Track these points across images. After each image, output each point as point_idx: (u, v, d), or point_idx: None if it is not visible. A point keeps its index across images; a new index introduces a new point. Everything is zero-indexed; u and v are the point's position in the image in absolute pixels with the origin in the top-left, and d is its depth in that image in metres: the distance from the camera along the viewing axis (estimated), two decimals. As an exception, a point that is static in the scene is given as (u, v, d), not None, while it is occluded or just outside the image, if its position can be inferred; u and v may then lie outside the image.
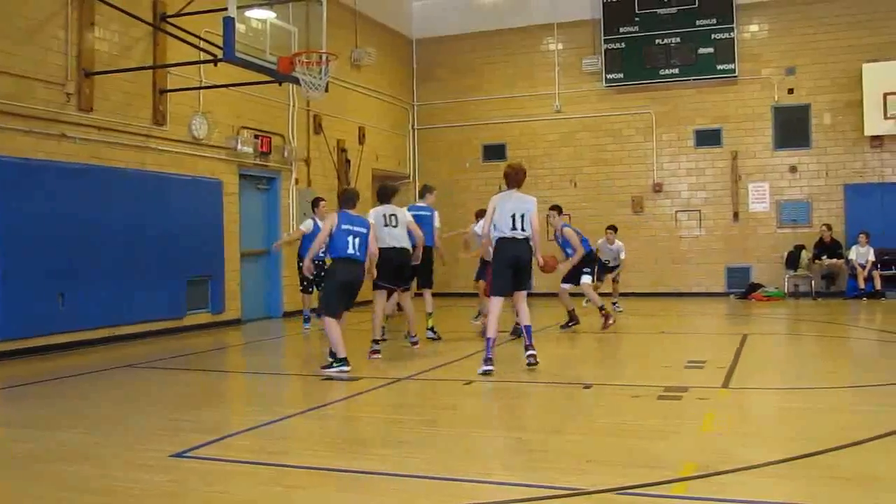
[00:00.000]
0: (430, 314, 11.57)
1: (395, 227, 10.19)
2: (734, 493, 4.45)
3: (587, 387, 7.86)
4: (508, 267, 8.74)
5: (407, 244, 10.30)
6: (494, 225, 8.82)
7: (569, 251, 12.17)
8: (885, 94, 17.15)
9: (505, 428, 6.47)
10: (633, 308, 15.39)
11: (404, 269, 10.40)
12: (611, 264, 15.71)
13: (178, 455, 5.41)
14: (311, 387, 8.42)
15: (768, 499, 4.38)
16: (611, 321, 12.07)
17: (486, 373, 8.38)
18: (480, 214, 11.60)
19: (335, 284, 9.01)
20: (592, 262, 12.56)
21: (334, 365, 8.75)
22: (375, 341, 9.96)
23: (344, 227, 8.90)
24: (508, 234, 8.72)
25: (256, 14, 11.90)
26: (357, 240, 8.92)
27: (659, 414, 6.61)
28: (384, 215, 10.18)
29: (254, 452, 5.60)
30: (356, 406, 7.30)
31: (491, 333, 8.62)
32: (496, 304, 8.80)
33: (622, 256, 15.87)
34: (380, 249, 9.77)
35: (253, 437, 6.08)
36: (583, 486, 4.57)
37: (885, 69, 17.32)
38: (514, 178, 9.01)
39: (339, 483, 4.83)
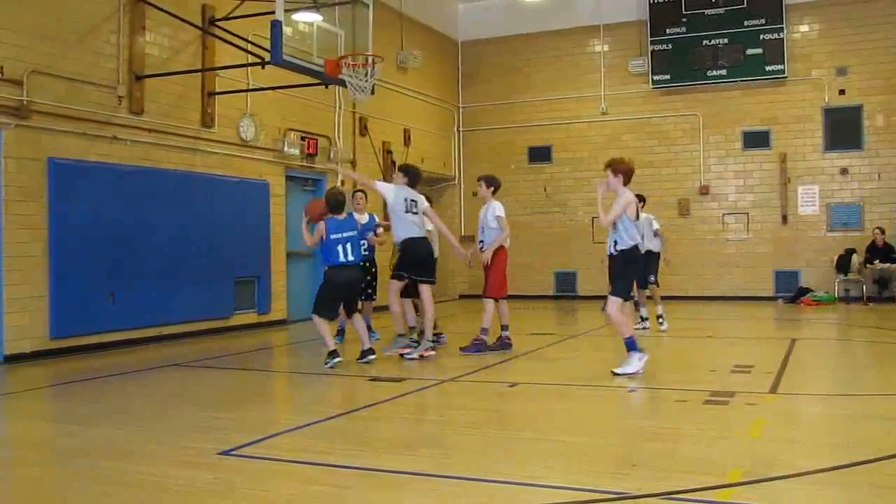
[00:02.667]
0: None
1: (415, 213, 9.86)
2: (781, 501, 4.38)
3: (632, 390, 7.80)
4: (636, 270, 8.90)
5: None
6: (626, 229, 8.32)
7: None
8: (940, 95, 16.79)
9: (548, 430, 6.44)
10: (678, 312, 15.22)
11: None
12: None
13: (223, 453, 5.47)
14: (356, 388, 8.46)
15: (817, 506, 4.32)
16: None
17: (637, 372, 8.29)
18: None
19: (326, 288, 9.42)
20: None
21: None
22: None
23: (333, 236, 9.20)
24: (638, 241, 8.53)
25: (303, 17, 12.00)
26: (349, 245, 9.22)
27: (705, 419, 6.53)
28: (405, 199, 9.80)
29: (298, 452, 5.64)
30: (400, 407, 7.32)
31: (629, 332, 8.44)
32: (624, 306, 8.74)
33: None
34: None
35: (297, 436, 6.13)
36: (627, 490, 4.54)
37: (941, 70, 16.96)
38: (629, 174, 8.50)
39: (381, 483, 4.84)
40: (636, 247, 8.44)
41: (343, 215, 9.38)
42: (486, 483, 4.76)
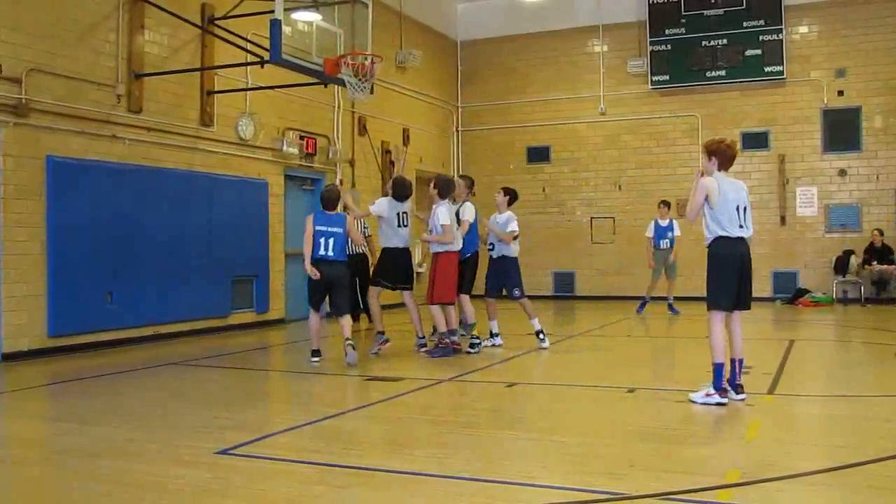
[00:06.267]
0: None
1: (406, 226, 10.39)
2: (779, 502, 4.39)
3: (630, 391, 7.80)
4: (736, 275, 6.96)
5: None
6: (717, 220, 7.05)
7: None
8: (939, 97, 16.79)
9: (546, 431, 6.44)
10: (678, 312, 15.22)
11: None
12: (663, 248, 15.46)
13: (221, 452, 5.47)
14: (354, 387, 8.46)
15: (814, 507, 4.32)
16: None
17: (720, 404, 6.74)
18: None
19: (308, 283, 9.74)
20: None
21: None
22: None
23: (318, 227, 9.50)
24: (735, 232, 7.00)
25: (302, 16, 11.98)
26: (331, 240, 9.49)
27: (703, 419, 6.54)
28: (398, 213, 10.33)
29: (296, 451, 5.65)
30: (398, 407, 7.31)
31: (720, 357, 6.88)
32: (717, 321, 7.01)
33: (675, 234, 15.54)
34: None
35: (295, 436, 6.13)
36: (625, 490, 4.54)
37: (939, 71, 16.95)
38: (727, 157, 7.43)
39: (380, 483, 4.84)
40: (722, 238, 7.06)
41: (333, 211, 9.70)
42: (485, 483, 4.76)
